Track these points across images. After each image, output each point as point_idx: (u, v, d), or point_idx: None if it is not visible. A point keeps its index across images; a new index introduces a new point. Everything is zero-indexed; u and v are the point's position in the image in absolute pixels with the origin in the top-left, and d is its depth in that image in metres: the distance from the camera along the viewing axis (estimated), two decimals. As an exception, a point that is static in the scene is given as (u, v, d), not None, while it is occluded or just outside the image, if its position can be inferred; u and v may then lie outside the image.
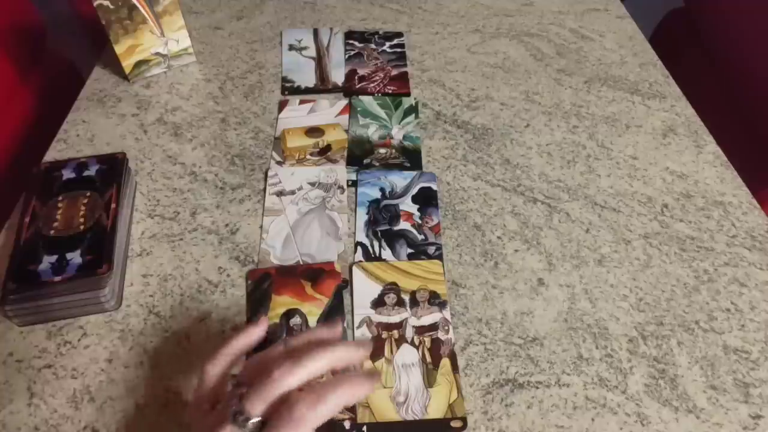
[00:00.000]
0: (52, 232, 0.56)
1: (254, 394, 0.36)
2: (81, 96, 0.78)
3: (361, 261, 0.60)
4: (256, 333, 0.43)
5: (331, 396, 0.36)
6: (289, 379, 0.36)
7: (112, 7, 0.72)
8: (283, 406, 0.35)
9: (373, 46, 0.87)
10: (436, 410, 0.50)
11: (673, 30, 1.22)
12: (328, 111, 0.77)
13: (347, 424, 0.49)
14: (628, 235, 0.64)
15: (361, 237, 0.63)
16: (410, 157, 0.71)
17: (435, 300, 0.57)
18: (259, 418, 0.35)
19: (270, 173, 0.68)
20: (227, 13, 0.94)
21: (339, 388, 0.37)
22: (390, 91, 0.80)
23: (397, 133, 0.74)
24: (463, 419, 0.49)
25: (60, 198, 0.59)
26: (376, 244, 0.62)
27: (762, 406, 0.51)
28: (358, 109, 0.77)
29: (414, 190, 0.67)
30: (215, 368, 0.41)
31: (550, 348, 0.54)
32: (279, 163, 0.70)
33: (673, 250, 0.63)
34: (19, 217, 0.58)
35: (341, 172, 0.69)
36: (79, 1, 1.14)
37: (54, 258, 0.54)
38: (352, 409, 0.50)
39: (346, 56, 0.85)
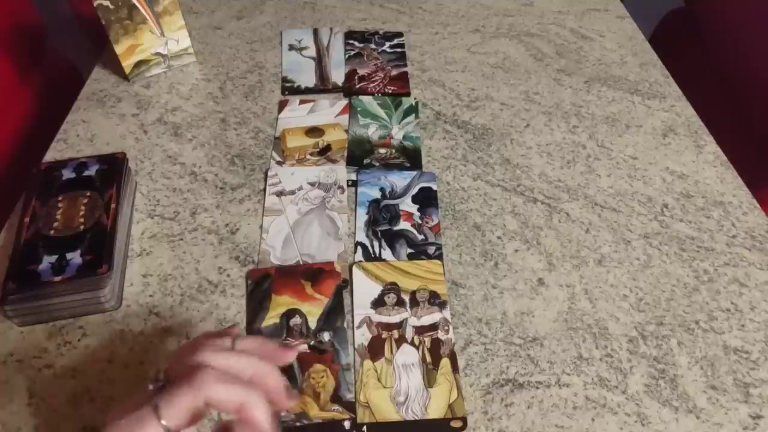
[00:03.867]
0: (52, 232, 0.56)
1: (175, 360, 0.36)
2: (81, 96, 0.78)
3: (361, 261, 0.60)
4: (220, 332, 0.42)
5: (242, 386, 0.35)
6: (214, 355, 0.36)
7: (112, 7, 0.72)
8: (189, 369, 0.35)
9: (373, 46, 0.87)
10: (436, 410, 0.50)
11: (673, 30, 1.22)
12: (328, 111, 0.77)
13: (347, 424, 0.49)
14: (628, 235, 0.64)
15: (361, 237, 0.63)
16: (410, 157, 0.71)
17: (435, 300, 0.57)
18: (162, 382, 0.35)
19: (270, 173, 0.68)
20: (227, 13, 0.94)
21: (255, 380, 0.36)
22: (390, 91, 0.80)
23: (397, 133, 0.74)
24: (463, 419, 0.49)
25: (60, 198, 0.59)
26: (376, 244, 0.62)
27: (762, 406, 0.51)
28: (358, 109, 0.77)
29: (414, 190, 0.67)
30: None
31: (550, 348, 0.54)
32: (279, 163, 0.70)
33: (673, 250, 0.63)
34: (19, 217, 0.58)
35: (341, 172, 0.69)
36: (79, 1, 1.14)
37: (54, 258, 0.54)
38: (352, 409, 0.50)
39: (346, 56, 0.85)
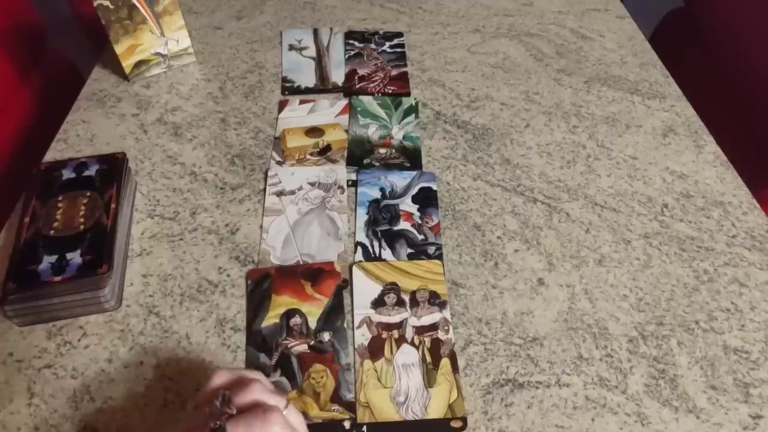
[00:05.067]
0: (52, 232, 0.56)
1: (242, 423, 0.36)
2: (81, 96, 0.78)
3: (361, 261, 0.60)
4: (274, 388, 0.42)
5: None
6: (280, 429, 0.37)
7: (112, 7, 0.72)
8: None
9: (373, 46, 0.87)
10: (436, 410, 0.50)
11: (673, 30, 1.22)
12: (328, 111, 0.77)
13: (347, 424, 0.49)
14: (628, 235, 0.64)
15: (361, 237, 0.63)
16: (410, 157, 0.71)
17: (435, 300, 0.57)
18: None
19: (270, 173, 0.68)
20: (227, 13, 0.94)
21: None
22: (390, 91, 0.80)
23: (397, 133, 0.74)
24: (463, 419, 0.49)
25: (60, 198, 0.59)
26: (376, 244, 0.62)
27: (762, 406, 0.51)
28: (358, 109, 0.77)
29: (414, 190, 0.67)
30: (221, 379, 0.41)
31: (550, 348, 0.54)
32: (279, 163, 0.70)
33: (673, 250, 0.63)
34: (19, 217, 0.58)
35: (341, 172, 0.69)
36: (79, 1, 1.14)
37: (54, 258, 0.54)
38: (352, 409, 0.50)
39: (346, 56, 0.85)
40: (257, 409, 0.37)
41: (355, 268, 0.59)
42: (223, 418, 0.36)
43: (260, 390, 0.39)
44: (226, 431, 0.35)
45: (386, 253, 0.61)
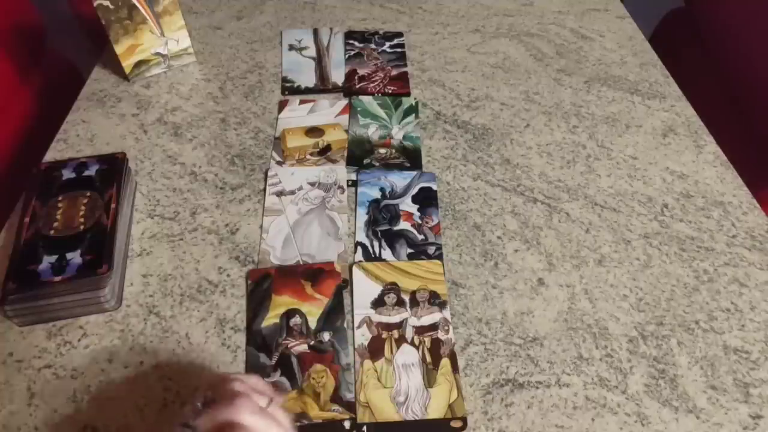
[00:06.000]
0: (52, 232, 0.56)
1: (209, 414, 0.36)
2: (81, 96, 0.78)
3: (361, 261, 0.60)
4: (270, 392, 0.42)
5: None
6: (249, 417, 0.37)
7: (112, 7, 0.72)
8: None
9: (373, 46, 0.87)
10: (436, 410, 0.50)
11: (673, 30, 1.22)
12: (328, 111, 0.77)
13: (347, 424, 0.49)
14: (628, 235, 0.64)
15: (361, 237, 0.63)
16: (410, 157, 0.71)
17: (435, 300, 0.57)
18: None
19: (270, 173, 0.68)
20: (227, 13, 0.94)
21: None
22: (390, 91, 0.80)
23: (397, 133, 0.74)
24: (463, 419, 0.49)
25: (60, 198, 0.59)
26: (376, 244, 0.62)
27: (762, 406, 0.51)
28: (358, 109, 0.77)
29: (414, 190, 0.67)
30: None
31: (550, 348, 0.54)
32: (279, 163, 0.70)
33: (673, 250, 0.63)
34: (19, 217, 0.58)
35: (341, 172, 0.69)
36: (79, 1, 1.14)
37: (54, 258, 0.54)
38: (352, 409, 0.50)
39: (346, 56, 0.85)
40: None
41: (355, 268, 0.59)
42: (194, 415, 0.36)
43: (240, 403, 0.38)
44: (196, 428, 0.36)
45: (386, 253, 0.61)
